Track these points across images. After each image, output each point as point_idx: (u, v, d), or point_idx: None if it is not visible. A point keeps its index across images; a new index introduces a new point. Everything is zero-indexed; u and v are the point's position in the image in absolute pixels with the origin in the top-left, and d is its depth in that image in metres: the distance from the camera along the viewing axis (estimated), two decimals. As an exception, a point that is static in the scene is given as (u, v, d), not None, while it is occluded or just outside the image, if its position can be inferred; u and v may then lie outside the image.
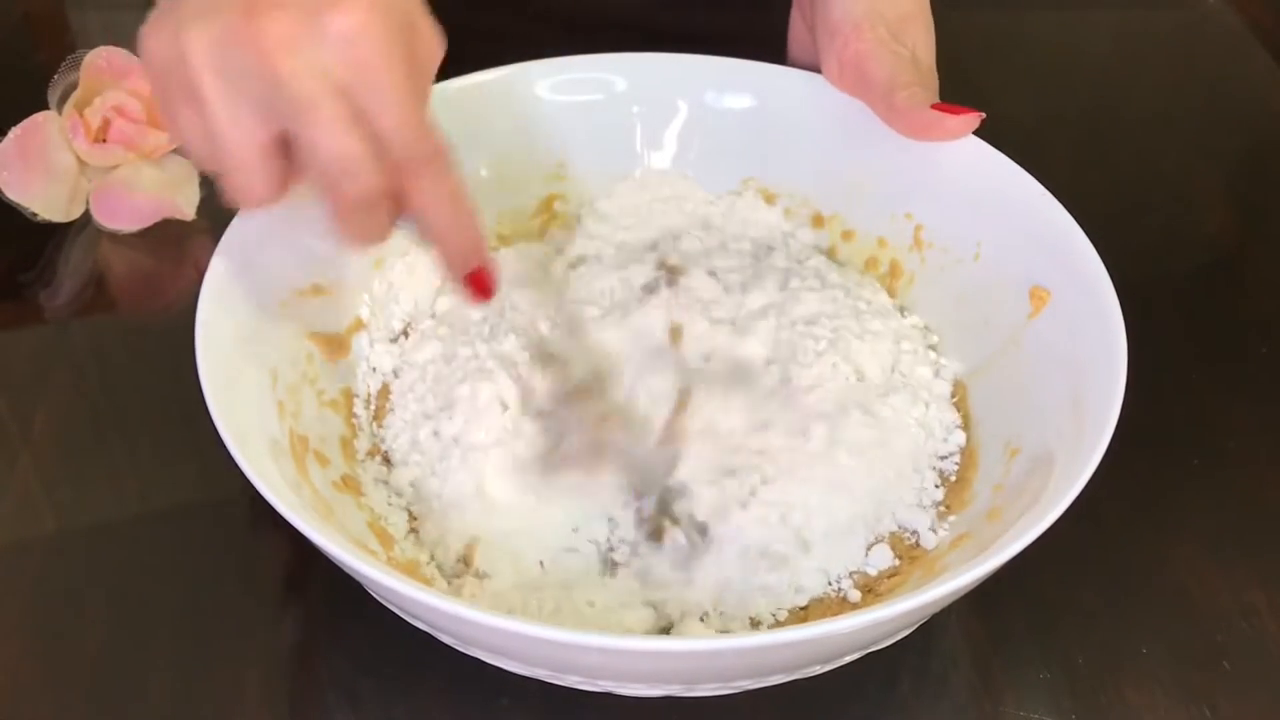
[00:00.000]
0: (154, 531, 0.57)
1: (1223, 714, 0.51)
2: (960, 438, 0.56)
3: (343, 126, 0.42)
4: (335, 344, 0.58)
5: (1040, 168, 0.58)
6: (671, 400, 0.56)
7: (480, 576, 0.51)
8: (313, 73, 0.42)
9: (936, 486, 0.55)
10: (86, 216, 0.70)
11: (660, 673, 0.44)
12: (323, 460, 0.53)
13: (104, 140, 0.70)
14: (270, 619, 0.54)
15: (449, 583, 0.51)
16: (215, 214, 0.67)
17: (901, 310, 0.62)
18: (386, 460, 0.56)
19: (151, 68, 0.44)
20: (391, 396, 0.58)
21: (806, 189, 0.65)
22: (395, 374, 0.59)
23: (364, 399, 0.58)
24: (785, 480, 0.53)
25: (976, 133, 0.58)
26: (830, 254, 0.65)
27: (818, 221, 0.65)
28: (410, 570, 0.51)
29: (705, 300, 0.60)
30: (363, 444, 0.56)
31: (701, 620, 0.50)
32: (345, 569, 0.43)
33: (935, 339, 0.61)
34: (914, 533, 0.53)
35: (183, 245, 0.71)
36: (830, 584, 0.52)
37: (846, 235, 0.65)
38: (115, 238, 0.70)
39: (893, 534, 0.53)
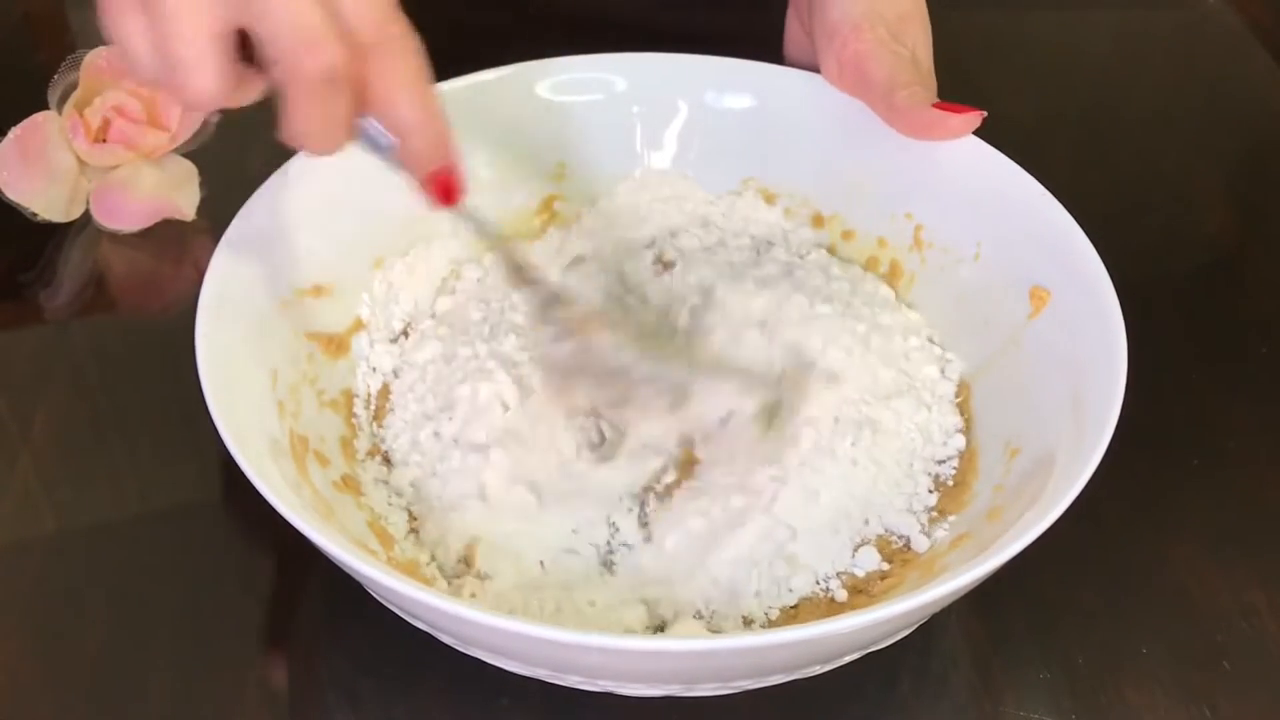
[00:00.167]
0: (154, 531, 0.57)
1: (1223, 714, 0.51)
2: (960, 442, 0.56)
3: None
4: (335, 344, 0.58)
5: (1040, 168, 0.58)
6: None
7: (481, 577, 0.51)
8: None
9: (930, 491, 0.55)
10: (86, 216, 0.70)
11: (660, 673, 0.44)
12: (323, 460, 0.53)
13: (104, 140, 0.70)
14: (270, 619, 0.54)
15: (449, 583, 0.51)
16: (215, 214, 0.67)
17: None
18: (386, 460, 0.56)
19: None
20: (391, 396, 0.58)
21: (806, 189, 0.65)
22: (395, 374, 0.59)
23: (364, 399, 0.58)
24: (776, 484, 0.53)
25: (976, 133, 0.58)
26: (830, 253, 0.65)
27: (818, 221, 0.65)
28: (410, 570, 0.51)
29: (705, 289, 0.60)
30: (363, 444, 0.56)
31: (695, 618, 0.50)
32: (345, 569, 0.43)
33: (935, 333, 0.61)
34: (902, 537, 0.53)
35: (183, 245, 0.71)
36: (818, 583, 0.51)
37: (846, 235, 0.65)
38: (115, 238, 0.70)
39: (880, 537, 0.53)
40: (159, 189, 0.70)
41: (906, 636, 0.48)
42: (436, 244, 0.63)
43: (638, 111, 0.65)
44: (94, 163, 0.70)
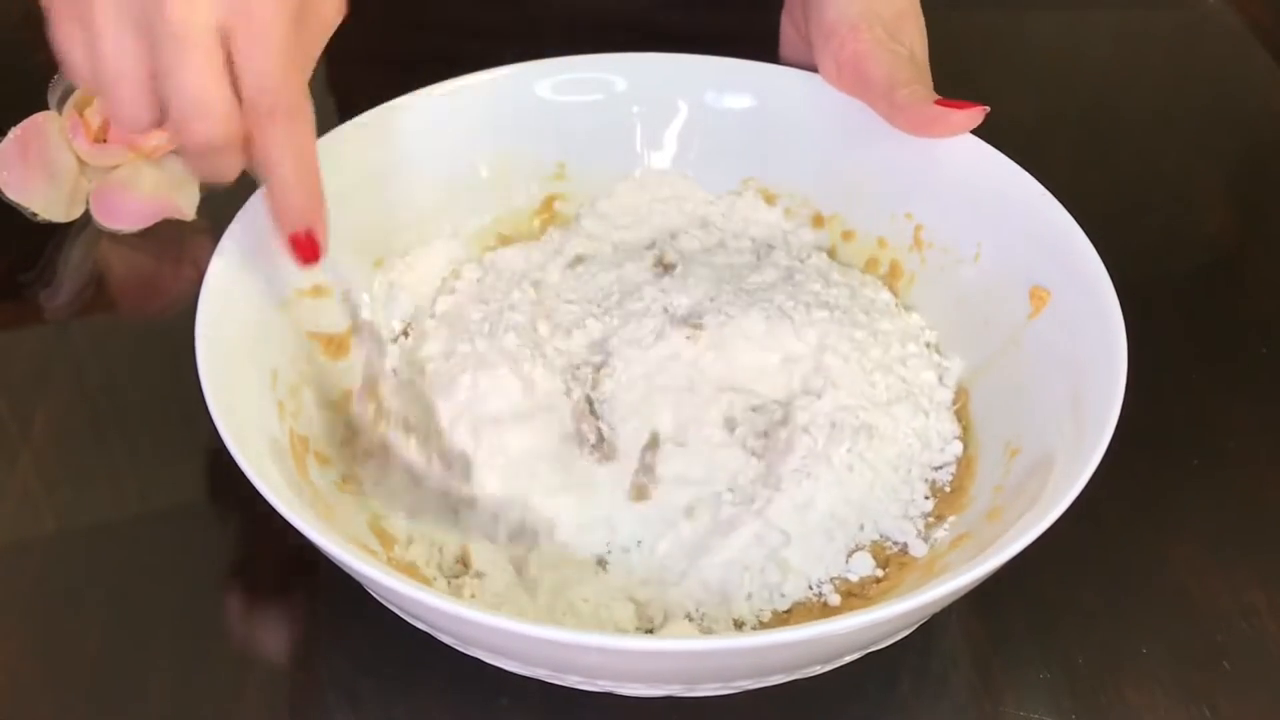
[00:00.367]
0: (154, 531, 0.57)
1: (1223, 714, 0.51)
2: (957, 448, 0.56)
3: (209, 70, 0.43)
4: (335, 344, 0.58)
5: (1040, 168, 0.58)
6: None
7: (478, 576, 0.51)
8: (197, 8, 0.42)
9: (926, 498, 0.55)
10: (86, 217, 0.70)
11: (660, 673, 0.44)
12: (323, 460, 0.53)
13: (104, 140, 0.70)
14: (270, 619, 0.54)
15: (449, 583, 0.51)
16: (215, 214, 0.67)
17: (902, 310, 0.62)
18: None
19: None
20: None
21: (806, 189, 0.65)
22: (394, 374, 0.59)
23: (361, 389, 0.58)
24: (769, 488, 0.53)
25: (976, 132, 0.58)
26: (830, 254, 0.65)
27: (818, 221, 0.65)
28: (410, 570, 0.51)
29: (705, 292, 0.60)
30: (363, 444, 0.56)
31: (686, 620, 0.50)
32: (345, 569, 0.43)
33: (933, 336, 0.61)
34: (897, 543, 0.53)
35: (183, 245, 0.70)
36: (811, 588, 0.51)
37: (846, 235, 0.65)
38: (115, 238, 0.70)
39: (874, 542, 0.53)
40: (159, 189, 0.70)
41: (906, 636, 0.48)
42: (436, 244, 0.63)
43: (638, 111, 0.65)
44: (94, 163, 0.70)
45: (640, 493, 0.54)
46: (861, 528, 0.53)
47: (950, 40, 0.63)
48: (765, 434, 0.55)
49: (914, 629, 0.48)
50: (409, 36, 0.59)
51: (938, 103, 0.57)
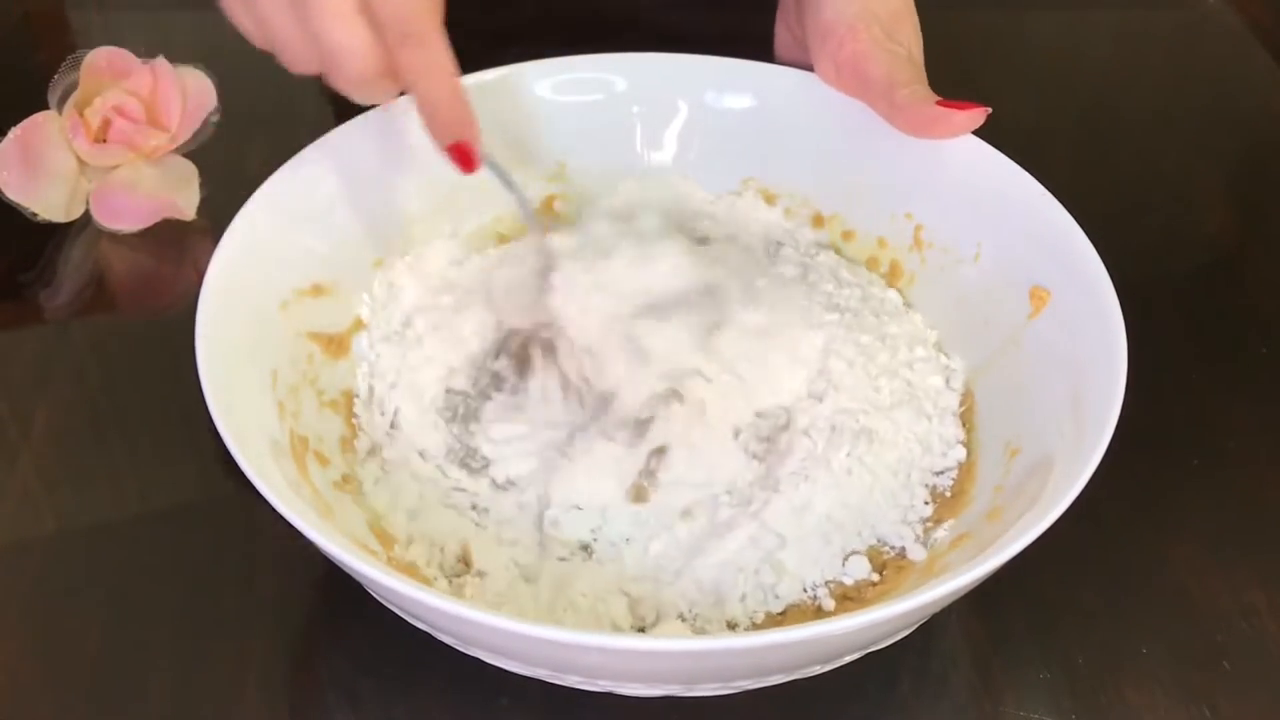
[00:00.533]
0: (154, 532, 0.57)
1: (1223, 714, 0.51)
2: (960, 453, 0.56)
3: (348, 19, 0.50)
4: (335, 344, 0.58)
5: (1040, 168, 0.58)
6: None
7: (481, 575, 0.51)
8: None
9: (926, 503, 0.54)
10: (86, 216, 0.70)
11: (661, 673, 0.44)
12: (323, 460, 0.53)
13: (104, 140, 0.70)
14: (270, 619, 0.54)
15: (450, 582, 0.51)
16: (215, 214, 0.67)
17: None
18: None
19: None
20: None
21: (806, 189, 0.65)
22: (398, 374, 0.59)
23: (364, 399, 0.58)
24: (767, 490, 0.53)
25: (976, 132, 0.58)
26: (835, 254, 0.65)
27: (818, 221, 0.65)
28: (410, 570, 0.51)
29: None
30: (363, 444, 0.56)
31: (679, 620, 0.50)
32: (345, 569, 0.43)
33: (935, 335, 0.61)
34: (894, 548, 0.53)
35: (183, 245, 0.71)
36: (805, 591, 0.51)
37: (847, 235, 0.65)
38: (115, 238, 0.70)
39: (871, 547, 0.53)
40: (159, 189, 0.70)
41: (906, 636, 0.48)
42: (436, 244, 0.63)
43: (638, 111, 0.65)
44: (94, 163, 0.70)
45: (639, 494, 0.54)
46: (859, 532, 0.53)
47: (950, 40, 0.63)
48: (768, 439, 0.55)
49: (914, 629, 0.48)
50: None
51: (939, 103, 0.57)
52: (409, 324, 0.60)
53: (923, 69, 0.60)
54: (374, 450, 0.56)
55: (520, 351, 0.58)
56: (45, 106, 0.70)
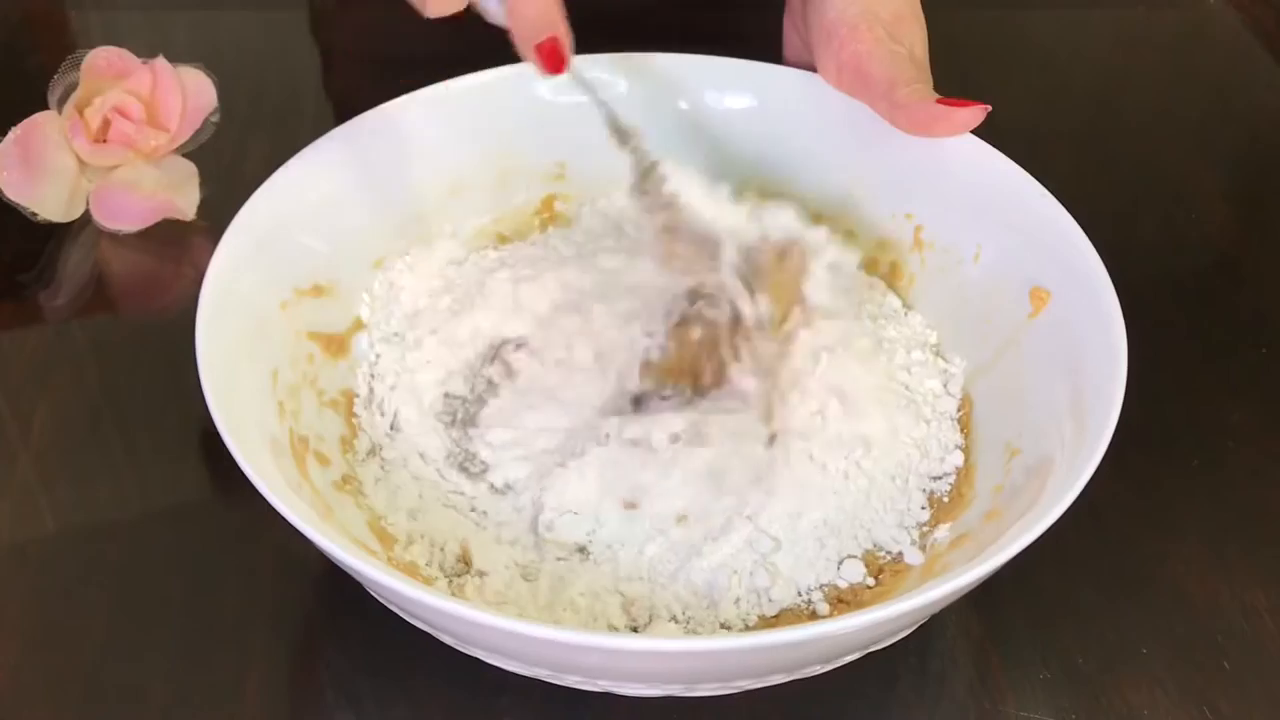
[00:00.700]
0: (154, 532, 0.57)
1: (1223, 714, 0.51)
2: (958, 458, 0.56)
3: None
4: (335, 344, 0.58)
5: (1040, 168, 0.58)
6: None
7: (481, 575, 0.51)
8: None
9: (923, 508, 0.54)
10: (86, 217, 0.70)
11: (661, 673, 0.44)
12: (323, 460, 0.53)
13: (104, 140, 0.70)
14: (270, 619, 0.54)
15: (450, 582, 0.51)
16: (215, 214, 0.67)
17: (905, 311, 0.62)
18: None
19: None
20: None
21: (806, 189, 0.65)
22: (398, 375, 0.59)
23: (364, 399, 0.58)
24: (762, 493, 0.53)
25: (976, 132, 0.58)
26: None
27: (817, 221, 0.65)
28: (411, 570, 0.51)
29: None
30: (363, 444, 0.56)
31: (671, 621, 0.50)
32: (345, 569, 0.43)
33: (935, 337, 0.61)
34: (890, 553, 0.53)
35: (183, 245, 0.71)
36: (800, 595, 0.51)
37: (847, 235, 0.64)
38: (115, 238, 0.70)
39: (867, 551, 0.53)
40: (159, 189, 0.70)
41: (906, 636, 0.48)
42: (436, 244, 0.63)
43: (640, 112, 0.65)
44: (94, 163, 0.70)
45: (630, 503, 0.53)
46: (855, 536, 0.53)
47: (950, 40, 0.63)
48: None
49: (914, 629, 0.48)
50: (409, 37, 0.59)
51: (939, 101, 0.57)
52: (409, 325, 0.60)
53: (927, 69, 0.60)
54: (374, 450, 0.56)
55: (506, 358, 0.57)
56: (45, 106, 0.70)
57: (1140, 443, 0.50)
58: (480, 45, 0.59)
